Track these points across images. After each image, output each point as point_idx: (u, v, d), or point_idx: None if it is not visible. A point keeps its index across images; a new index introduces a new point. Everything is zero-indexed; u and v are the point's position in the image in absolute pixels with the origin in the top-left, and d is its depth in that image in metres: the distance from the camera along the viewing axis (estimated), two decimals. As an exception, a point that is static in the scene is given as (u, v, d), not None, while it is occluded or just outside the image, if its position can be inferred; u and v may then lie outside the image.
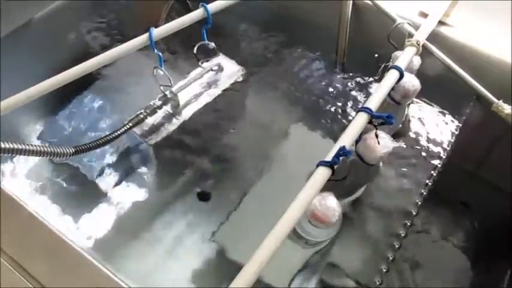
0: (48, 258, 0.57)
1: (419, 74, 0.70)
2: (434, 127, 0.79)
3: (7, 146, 0.54)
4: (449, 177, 0.78)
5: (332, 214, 0.51)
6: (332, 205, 0.51)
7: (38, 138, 0.83)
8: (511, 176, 0.81)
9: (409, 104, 0.76)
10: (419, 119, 0.80)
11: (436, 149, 0.76)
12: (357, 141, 0.57)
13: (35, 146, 0.58)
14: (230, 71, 0.83)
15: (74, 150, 0.64)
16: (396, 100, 0.65)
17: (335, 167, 0.50)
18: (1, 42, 0.85)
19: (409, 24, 0.76)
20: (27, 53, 0.91)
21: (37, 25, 0.93)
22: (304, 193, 0.48)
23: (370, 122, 0.55)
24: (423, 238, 0.83)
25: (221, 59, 0.83)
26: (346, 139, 0.52)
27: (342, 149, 0.50)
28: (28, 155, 0.58)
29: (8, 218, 0.59)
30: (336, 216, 0.51)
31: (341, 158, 0.50)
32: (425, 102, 0.82)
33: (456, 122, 0.79)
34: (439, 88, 0.78)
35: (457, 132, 0.78)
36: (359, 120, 0.54)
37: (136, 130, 0.74)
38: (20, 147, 0.56)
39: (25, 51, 0.90)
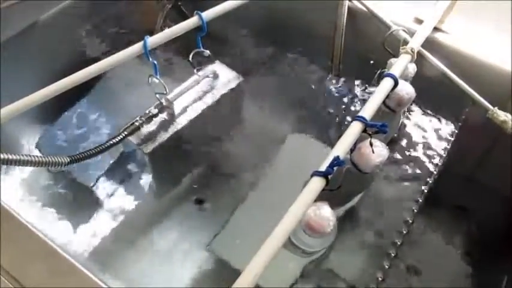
0: (43, 270, 0.57)
1: (415, 80, 0.70)
2: (430, 134, 0.79)
3: (1, 156, 0.54)
4: (446, 181, 0.78)
5: (327, 224, 0.51)
6: (326, 215, 0.51)
7: (36, 147, 0.83)
8: (508, 179, 0.81)
9: (404, 111, 0.76)
10: (415, 126, 0.80)
11: (432, 156, 0.76)
12: (352, 150, 0.57)
13: (30, 156, 0.58)
14: (226, 78, 0.82)
15: (69, 160, 0.64)
16: (391, 108, 0.65)
17: (329, 176, 0.50)
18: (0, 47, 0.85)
19: (404, 31, 0.76)
20: (24, 60, 0.90)
21: (34, 32, 0.92)
22: (298, 203, 0.48)
23: (364, 131, 0.55)
24: (421, 243, 0.82)
25: (217, 66, 0.83)
26: (340, 149, 0.52)
27: (336, 159, 0.50)
28: (23, 166, 0.58)
29: (2, 229, 0.59)
30: (330, 226, 0.51)
31: (335, 167, 0.50)
32: (421, 108, 0.82)
33: (452, 128, 0.79)
34: (435, 94, 0.78)
35: (453, 138, 0.78)
36: (353, 130, 0.54)
37: (132, 138, 0.74)
38: (14, 157, 0.56)
39: (22, 58, 0.90)
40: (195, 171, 0.81)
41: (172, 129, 0.76)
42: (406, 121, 0.81)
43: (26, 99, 0.59)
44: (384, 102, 0.62)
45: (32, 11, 0.92)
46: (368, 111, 0.57)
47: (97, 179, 0.80)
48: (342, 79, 0.91)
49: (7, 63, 0.84)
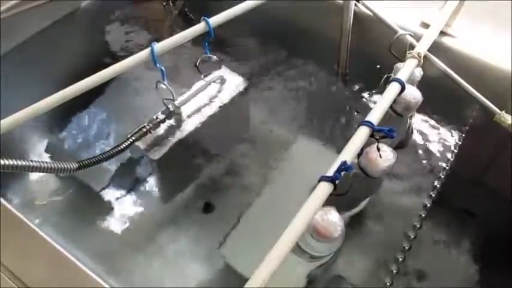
0: (49, 274, 0.57)
1: (421, 84, 0.70)
2: (437, 138, 0.79)
3: (9, 162, 0.54)
4: (453, 186, 0.77)
5: (334, 229, 0.51)
6: (334, 220, 0.51)
7: (46, 152, 0.84)
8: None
9: (411, 116, 0.76)
10: (422, 130, 0.80)
11: (439, 160, 0.76)
12: (359, 155, 0.57)
13: (39, 162, 0.58)
14: (232, 83, 0.82)
15: (77, 166, 0.64)
16: (398, 112, 0.64)
17: (337, 182, 0.50)
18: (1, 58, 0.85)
19: (411, 35, 0.76)
20: (28, 70, 0.91)
21: (37, 41, 0.93)
22: (305, 208, 0.48)
23: (372, 136, 0.55)
24: (428, 247, 0.82)
25: (223, 72, 0.83)
26: (348, 154, 0.52)
27: (343, 164, 0.50)
28: (32, 172, 0.58)
29: (10, 233, 0.59)
30: (338, 231, 0.51)
31: (342, 172, 0.50)
32: (428, 112, 0.82)
33: (459, 132, 0.79)
34: (442, 98, 0.78)
35: (460, 142, 0.78)
36: (360, 135, 0.54)
37: (140, 144, 0.74)
38: (23, 163, 0.56)
39: (25, 68, 0.91)
40: (202, 177, 0.81)
41: (179, 135, 0.76)
42: (413, 125, 0.80)
43: (28, 109, 0.59)
44: (391, 107, 0.62)
45: (34, 21, 0.92)
46: (375, 115, 0.56)
47: (105, 185, 0.80)
48: (349, 83, 0.91)
49: (10, 73, 0.84)
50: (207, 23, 0.70)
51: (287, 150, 0.83)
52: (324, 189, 0.49)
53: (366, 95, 0.89)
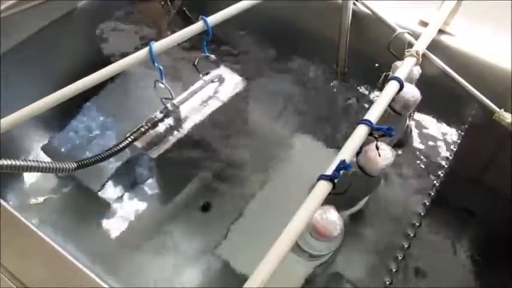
0: (48, 274, 0.57)
1: (420, 83, 0.70)
2: (436, 136, 0.79)
3: (7, 163, 0.54)
4: (453, 184, 0.77)
5: (333, 228, 0.51)
6: (333, 219, 0.51)
7: (43, 152, 0.83)
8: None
9: (410, 114, 0.76)
10: (421, 128, 0.80)
11: (438, 159, 0.76)
12: (358, 153, 0.57)
13: (37, 162, 0.58)
14: (231, 82, 0.82)
15: (75, 165, 0.64)
16: (397, 111, 0.64)
17: (335, 180, 0.50)
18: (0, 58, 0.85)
19: (409, 33, 0.76)
20: (26, 69, 0.91)
21: (36, 40, 0.93)
22: (304, 208, 0.48)
23: (370, 134, 0.55)
24: (427, 246, 0.82)
25: (222, 71, 0.83)
26: (347, 152, 0.52)
27: (342, 162, 0.50)
28: (30, 172, 0.58)
29: (9, 233, 0.59)
30: (337, 230, 0.51)
31: (341, 171, 0.50)
32: (426, 111, 0.82)
33: (458, 131, 0.79)
34: (440, 97, 0.78)
35: (459, 141, 0.78)
36: (359, 133, 0.54)
37: (138, 143, 0.74)
38: (21, 163, 0.56)
39: (24, 68, 0.91)
40: (200, 176, 0.81)
41: (178, 134, 0.76)
42: (411, 124, 0.80)
43: (27, 108, 0.59)
44: (389, 105, 0.62)
45: (31, 20, 0.92)
46: (374, 114, 0.56)
47: (103, 184, 0.80)
48: (348, 82, 0.91)
49: (9, 73, 0.84)
50: (205, 22, 0.69)
51: (286, 149, 0.83)
52: (323, 188, 0.49)
53: (364, 93, 0.89)
